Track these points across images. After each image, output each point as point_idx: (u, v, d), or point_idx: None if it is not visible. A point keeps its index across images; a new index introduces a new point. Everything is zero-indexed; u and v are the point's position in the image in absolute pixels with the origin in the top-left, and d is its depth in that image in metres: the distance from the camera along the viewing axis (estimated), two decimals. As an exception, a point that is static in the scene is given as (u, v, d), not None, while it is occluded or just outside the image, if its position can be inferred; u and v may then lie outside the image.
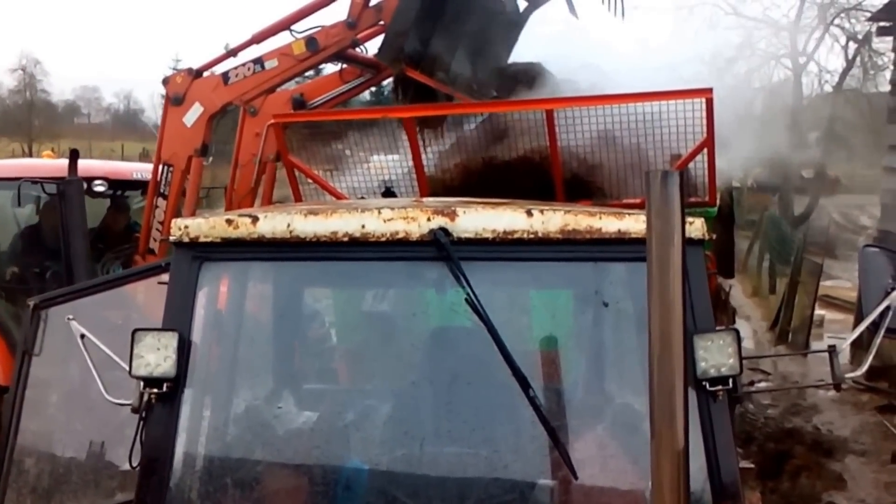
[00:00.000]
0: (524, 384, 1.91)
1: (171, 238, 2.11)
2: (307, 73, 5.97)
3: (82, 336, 2.08)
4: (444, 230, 2.02)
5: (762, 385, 8.02)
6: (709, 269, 4.31)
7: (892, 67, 12.83)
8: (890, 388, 8.04)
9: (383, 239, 2.05)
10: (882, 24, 11.58)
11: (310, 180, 4.63)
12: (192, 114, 5.50)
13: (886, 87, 13.50)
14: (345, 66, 5.60)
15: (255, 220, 2.08)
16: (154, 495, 1.97)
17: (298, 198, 4.65)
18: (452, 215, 2.04)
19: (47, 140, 33.15)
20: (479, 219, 2.04)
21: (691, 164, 4.20)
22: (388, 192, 4.56)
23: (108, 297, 2.42)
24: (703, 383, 1.86)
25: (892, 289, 2.00)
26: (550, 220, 2.03)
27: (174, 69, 5.93)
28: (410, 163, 4.40)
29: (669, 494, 1.41)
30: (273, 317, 2.56)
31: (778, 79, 21.14)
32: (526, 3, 5.54)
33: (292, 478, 2.14)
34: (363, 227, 2.05)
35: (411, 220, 2.05)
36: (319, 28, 5.22)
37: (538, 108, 4.25)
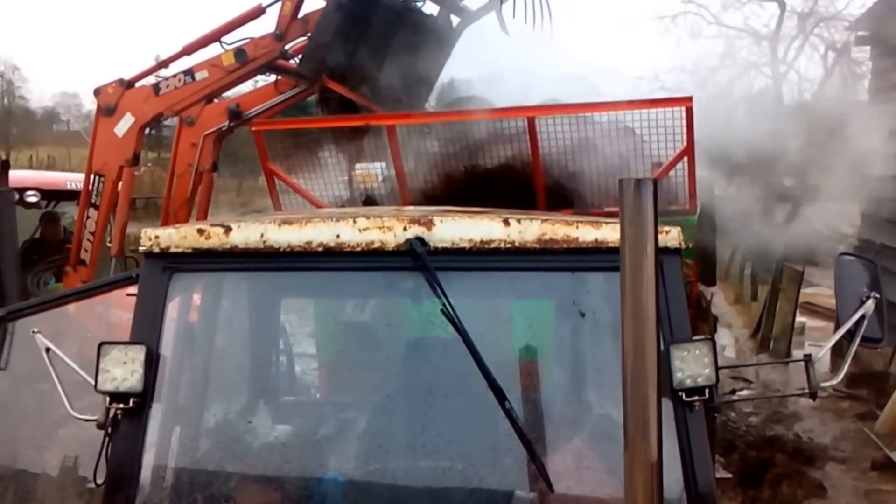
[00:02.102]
0: (500, 396, 1.89)
1: (141, 248, 2.07)
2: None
3: (47, 350, 2.03)
4: (420, 240, 1.99)
5: (743, 393, 8.05)
6: (689, 277, 4.33)
7: (870, 76, 13.01)
8: (869, 395, 8.09)
9: (358, 249, 2.02)
10: (860, 33, 11.75)
11: (290, 189, 4.60)
12: (124, 124, 5.61)
13: (865, 96, 13.67)
14: (279, 77, 5.73)
15: (227, 229, 2.05)
16: None
17: (278, 207, 4.62)
18: (429, 224, 2.01)
19: (25, 147, 32.77)
20: (455, 228, 2.02)
21: (672, 172, 4.22)
22: (370, 201, 4.53)
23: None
24: (680, 393, 1.84)
25: (867, 297, 2.00)
26: (527, 229, 2.01)
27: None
28: (393, 171, 4.39)
29: (643, 508, 1.38)
30: (246, 328, 2.52)
31: (758, 87, 21.41)
32: (458, 19, 5.64)
33: (265, 493, 2.10)
34: (338, 236, 2.02)
35: (387, 229, 2.02)
36: (248, 40, 5.36)
37: (520, 116, 4.25)
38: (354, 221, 2.03)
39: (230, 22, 5.42)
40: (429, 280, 1.94)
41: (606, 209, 4.14)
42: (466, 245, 2.01)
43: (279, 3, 5.24)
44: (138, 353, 1.92)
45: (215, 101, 5.72)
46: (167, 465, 2.13)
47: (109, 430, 1.93)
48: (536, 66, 5.04)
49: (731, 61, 21.23)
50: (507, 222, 2.01)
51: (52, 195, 7.04)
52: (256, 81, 6.09)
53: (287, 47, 5.37)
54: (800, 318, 10.99)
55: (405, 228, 2.01)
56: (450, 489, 2.02)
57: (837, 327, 2.05)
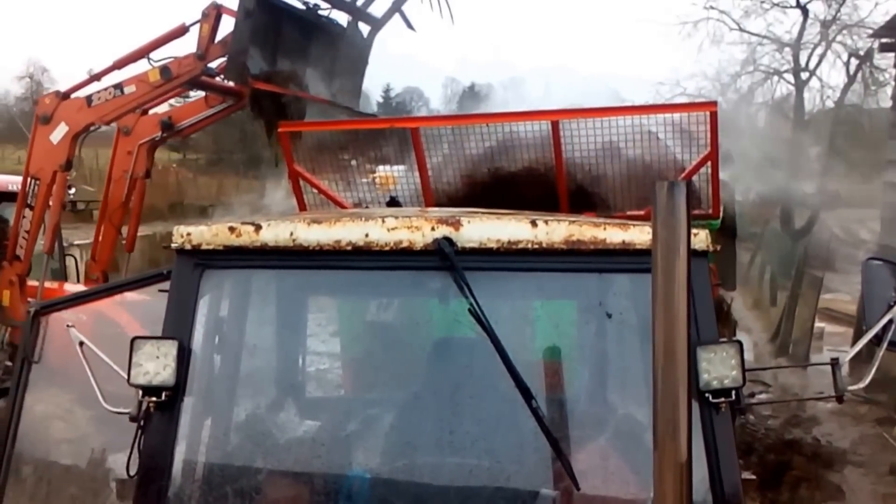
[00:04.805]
0: (527, 395, 1.91)
1: (173, 245, 2.10)
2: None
3: (81, 344, 2.07)
4: (448, 240, 2.01)
5: (763, 397, 8.00)
6: (711, 280, 4.32)
7: (892, 83, 12.88)
8: (889, 400, 8.02)
9: (387, 248, 2.04)
10: (884, 40, 11.65)
11: (315, 190, 4.64)
12: (58, 132, 6.04)
13: (887, 103, 13.55)
14: (208, 92, 6.15)
15: (258, 227, 2.08)
16: None
17: (303, 208, 4.66)
18: (457, 225, 2.03)
19: (52, 148, 33.16)
20: (483, 229, 2.04)
21: (695, 177, 4.21)
22: (393, 203, 4.56)
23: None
24: (706, 395, 1.85)
25: (895, 301, 1.99)
26: (555, 230, 2.02)
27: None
28: (416, 174, 4.41)
29: (673, 506, 1.40)
30: (275, 325, 2.55)
31: (780, 94, 21.23)
32: (368, 28, 5.93)
33: (293, 487, 2.13)
34: (367, 235, 2.05)
35: (415, 229, 2.04)
36: (173, 59, 5.72)
37: (544, 120, 4.26)
38: (383, 221, 2.05)
39: (157, 39, 5.74)
40: (456, 280, 1.96)
41: (629, 212, 4.14)
42: (494, 245, 2.02)
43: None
44: (170, 348, 1.95)
45: (150, 112, 6.19)
46: (198, 457, 2.17)
47: (142, 422, 1.97)
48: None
49: (752, 68, 21.04)
50: (534, 223, 2.03)
51: None
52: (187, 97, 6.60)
53: (214, 65, 5.72)
54: (819, 324, 10.91)
55: (433, 228, 2.03)
56: (476, 487, 2.03)
57: (860, 332, 2.05)
